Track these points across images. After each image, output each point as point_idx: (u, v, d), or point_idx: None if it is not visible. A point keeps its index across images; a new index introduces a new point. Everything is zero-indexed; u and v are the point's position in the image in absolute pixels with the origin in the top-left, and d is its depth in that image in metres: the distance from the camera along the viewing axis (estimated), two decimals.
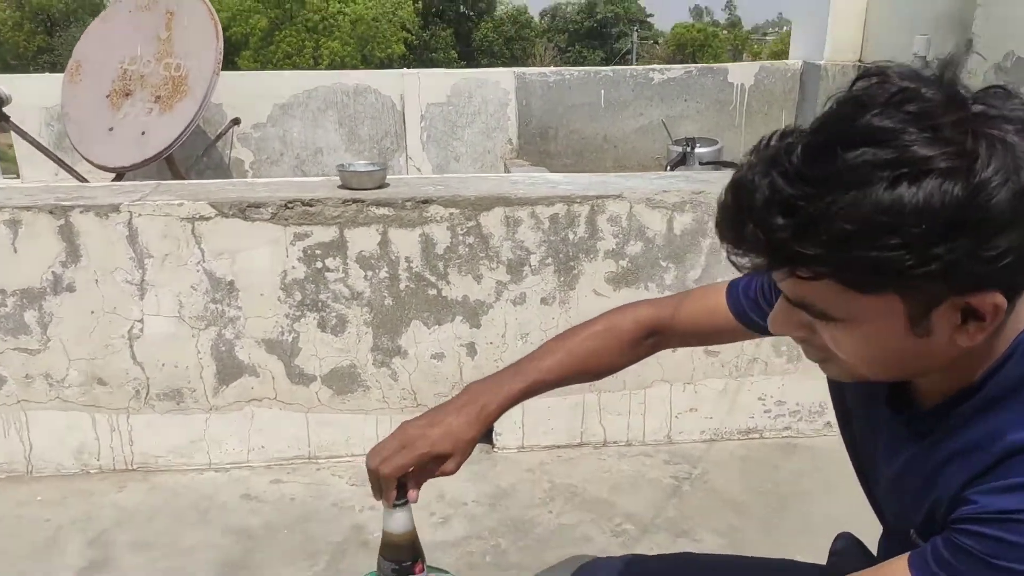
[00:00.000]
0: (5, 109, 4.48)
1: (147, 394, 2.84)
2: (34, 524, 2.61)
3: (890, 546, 1.01)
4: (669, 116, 5.06)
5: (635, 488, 2.87)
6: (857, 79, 0.70)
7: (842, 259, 0.64)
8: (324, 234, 2.77)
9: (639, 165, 5.18)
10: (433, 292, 2.88)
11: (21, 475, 2.87)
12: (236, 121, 5.16)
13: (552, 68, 5.51)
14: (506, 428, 3.07)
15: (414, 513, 1.19)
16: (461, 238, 2.83)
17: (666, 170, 4.50)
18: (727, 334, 1.22)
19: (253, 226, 2.72)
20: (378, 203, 2.77)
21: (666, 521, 2.68)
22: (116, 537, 2.54)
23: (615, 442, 3.15)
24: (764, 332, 1.11)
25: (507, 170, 4.86)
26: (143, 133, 4.30)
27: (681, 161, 4.69)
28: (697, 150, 4.65)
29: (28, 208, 2.65)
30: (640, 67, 5.39)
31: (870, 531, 1.13)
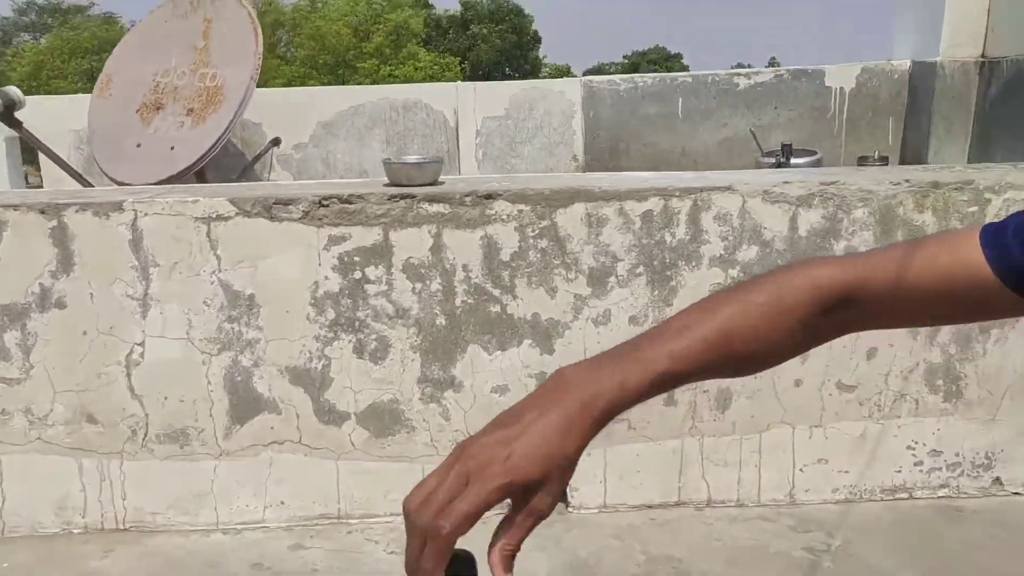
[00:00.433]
0: (18, 114, 4.19)
1: (145, 435, 2.32)
2: None
3: None
4: (757, 126, 4.51)
5: (759, 564, 2.21)
6: None
7: None
8: (365, 237, 2.25)
9: None
10: (496, 309, 2.32)
11: None
12: (276, 141, 4.81)
13: (623, 75, 5.03)
14: (583, 480, 2.45)
15: None
16: (532, 241, 2.28)
17: None
18: (972, 305, 0.72)
19: (280, 228, 2.23)
20: (431, 199, 2.26)
21: None
22: None
23: (722, 501, 2.49)
24: None
25: None
26: (172, 148, 3.96)
27: None
28: (793, 161, 4.06)
29: (16, 207, 2.21)
30: (723, 71, 4.85)
31: None
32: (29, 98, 4.52)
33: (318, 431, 2.37)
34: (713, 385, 2.43)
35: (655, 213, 2.30)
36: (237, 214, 2.21)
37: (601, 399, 0.66)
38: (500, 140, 4.77)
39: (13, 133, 4.53)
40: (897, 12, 4.76)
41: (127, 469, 2.33)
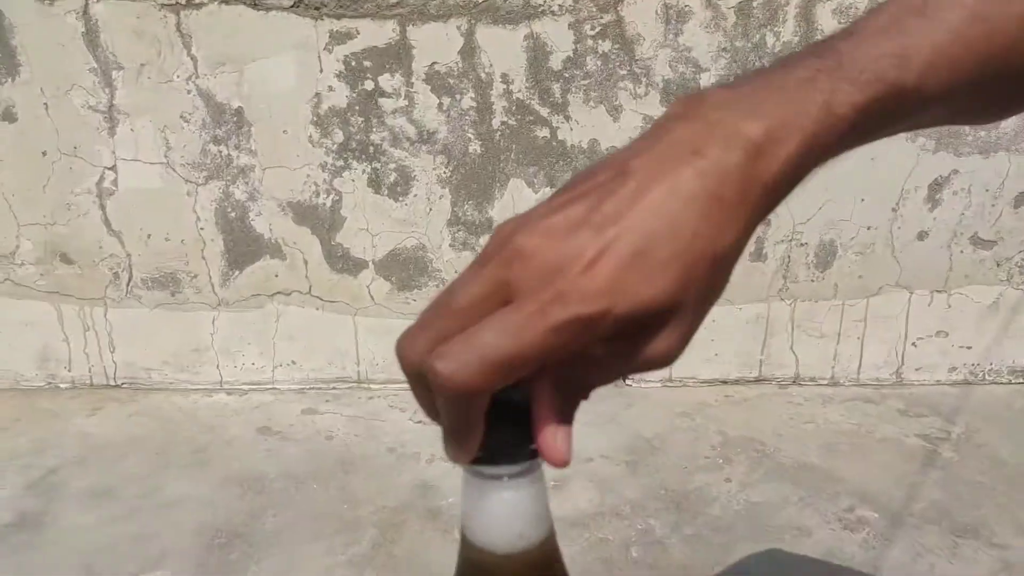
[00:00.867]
0: None
1: (130, 279, 1.98)
2: None
3: None
4: None
5: (861, 451, 1.80)
6: None
7: None
8: (376, 34, 1.76)
9: None
10: (543, 133, 1.84)
11: None
12: None
13: None
14: None
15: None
16: (591, 43, 1.76)
17: None
18: None
19: (268, 20, 1.75)
20: None
21: (933, 508, 1.61)
22: (67, 481, 1.71)
23: (812, 379, 2.07)
24: None
25: None
26: None
27: None
28: None
29: None
30: None
31: None
32: None
33: (331, 281, 1.99)
34: (814, 236, 1.94)
35: (755, 5, 1.73)
36: (212, 0, 1.74)
37: (788, 135, 0.32)
38: None
39: None
40: None
41: (113, 318, 2.01)
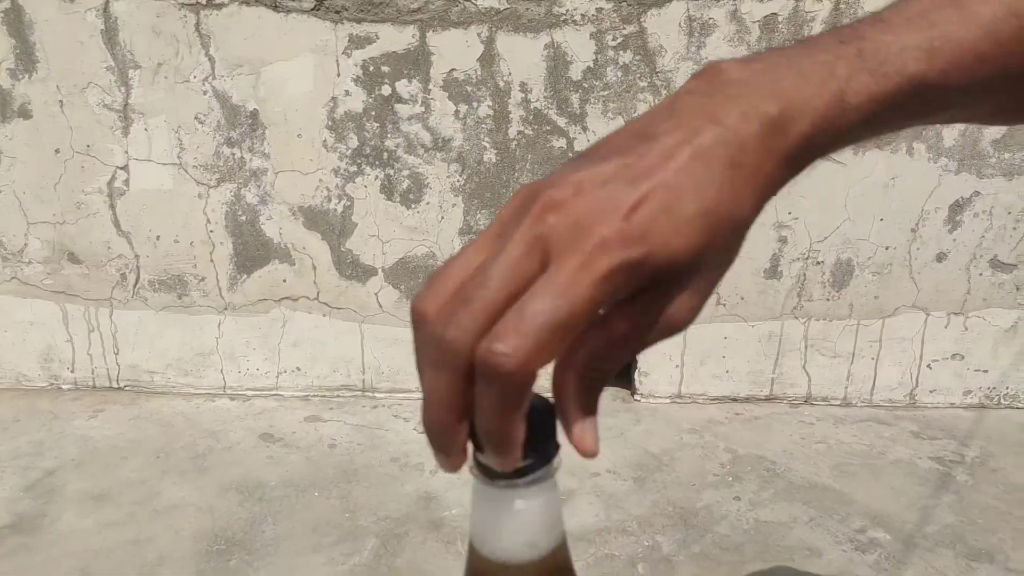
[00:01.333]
0: None
1: (136, 280, 1.96)
2: None
3: None
4: None
5: (873, 472, 1.77)
6: None
7: None
8: (396, 39, 1.76)
9: None
10: (560, 143, 1.83)
11: None
12: None
13: None
14: (654, 364, 2.01)
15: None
16: (612, 54, 1.76)
17: None
18: None
19: (287, 22, 1.74)
20: None
21: (946, 532, 1.58)
22: (65, 484, 1.68)
23: (824, 399, 2.04)
24: None
25: None
26: None
27: None
28: None
29: None
30: None
31: None
32: None
33: (339, 288, 1.97)
34: (831, 255, 1.92)
35: (781, 18, 1.73)
36: (232, 1, 1.73)
37: (801, 116, 0.33)
38: None
39: None
40: None
41: (118, 319, 1.99)
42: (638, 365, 2.04)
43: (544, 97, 1.80)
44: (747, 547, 1.53)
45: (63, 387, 2.05)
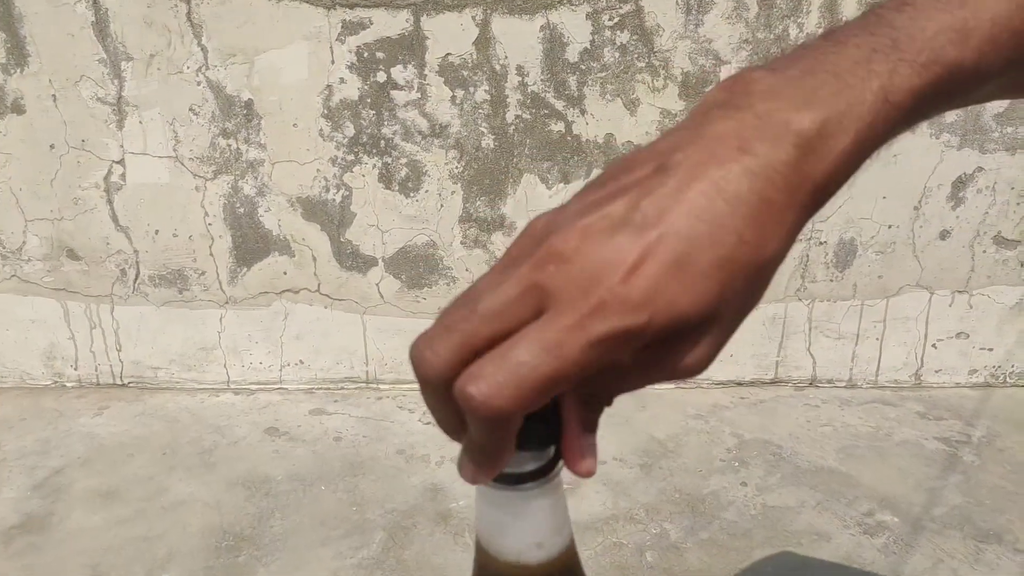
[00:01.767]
0: None
1: (136, 276, 1.95)
2: None
3: None
4: None
5: (880, 454, 1.77)
6: None
7: None
8: (389, 24, 1.73)
9: None
10: (558, 127, 1.80)
11: None
12: None
13: None
14: None
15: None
16: (608, 34, 1.73)
17: None
18: None
19: (279, 8, 1.71)
20: None
21: (954, 513, 1.57)
22: (72, 482, 1.68)
23: (829, 381, 2.03)
24: None
25: None
26: None
27: None
28: None
29: None
30: None
31: None
32: None
33: (339, 279, 1.96)
34: (833, 235, 1.91)
35: None
36: None
37: (843, 130, 0.29)
38: None
39: None
40: None
41: (120, 316, 1.98)
42: None
43: (541, 80, 1.77)
44: (755, 533, 1.53)
45: (67, 385, 2.05)
